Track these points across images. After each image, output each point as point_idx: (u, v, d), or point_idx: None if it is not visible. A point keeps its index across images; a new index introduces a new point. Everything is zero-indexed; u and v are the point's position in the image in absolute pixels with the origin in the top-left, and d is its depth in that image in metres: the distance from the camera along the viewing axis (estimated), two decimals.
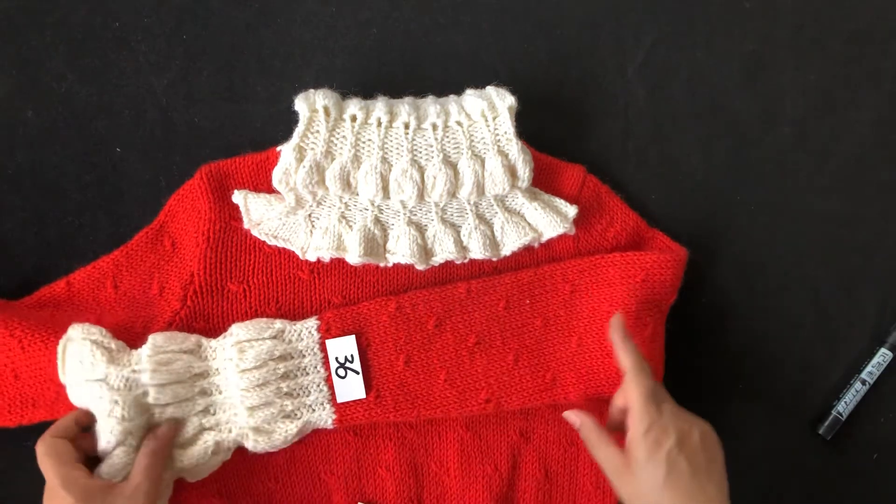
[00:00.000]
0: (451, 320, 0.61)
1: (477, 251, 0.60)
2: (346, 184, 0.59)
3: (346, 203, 0.60)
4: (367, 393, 0.59)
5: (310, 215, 0.60)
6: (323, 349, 0.59)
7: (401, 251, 0.59)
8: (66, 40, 0.63)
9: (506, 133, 0.60)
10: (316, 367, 0.59)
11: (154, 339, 0.57)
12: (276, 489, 0.63)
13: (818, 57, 0.69)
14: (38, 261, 0.63)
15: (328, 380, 0.59)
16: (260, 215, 0.60)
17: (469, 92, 0.61)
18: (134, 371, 0.55)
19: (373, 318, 0.60)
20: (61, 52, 0.63)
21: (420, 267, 0.60)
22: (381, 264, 0.60)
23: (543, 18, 0.67)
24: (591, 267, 0.62)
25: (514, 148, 0.60)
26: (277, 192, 0.60)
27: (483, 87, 0.61)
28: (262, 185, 0.61)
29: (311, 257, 0.59)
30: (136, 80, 0.64)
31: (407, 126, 0.59)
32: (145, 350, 0.56)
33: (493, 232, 0.61)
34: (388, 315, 0.60)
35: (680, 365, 0.68)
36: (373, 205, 0.60)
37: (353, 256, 0.59)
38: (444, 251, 0.60)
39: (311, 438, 0.62)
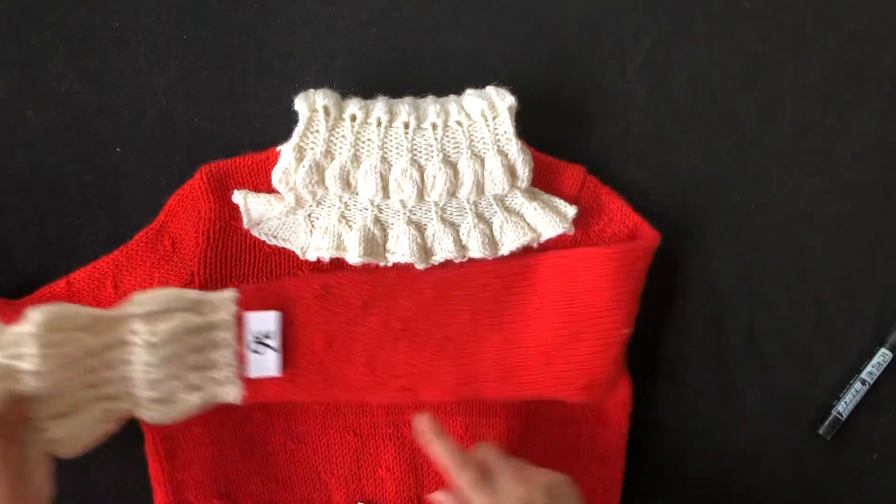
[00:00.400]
0: (377, 305, 0.60)
1: (476, 250, 0.60)
2: (346, 183, 0.59)
3: (345, 203, 0.60)
4: (281, 371, 0.58)
5: (309, 215, 0.60)
6: (239, 323, 0.57)
7: (400, 250, 0.59)
8: (66, 40, 0.63)
9: (505, 133, 0.60)
10: (228, 341, 0.57)
11: (40, 315, 0.47)
12: (276, 489, 0.63)
13: (818, 57, 0.69)
14: (38, 261, 0.63)
15: (240, 354, 0.57)
16: (260, 215, 0.60)
17: (469, 92, 0.61)
18: (11, 356, 0.46)
19: (296, 295, 0.59)
20: (61, 52, 0.63)
21: (419, 266, 0.60)
22: (381, 264, 0.60)
23: (543, 18, 0.67)
24: (525, 265, 0.61)
25: (514, 148, 0.60)
26: (277, 192, 0.60)
27: (483, 87, 0.61)
28: (262, 185, 0.61)
29: (311, 257, 0.59)
30: (136, 80, 0.64)
31: (407, 126, 0.59)
32: (27, 329, 0.46)
33: (492, 231, 0.61)
34: (313, 294, 0.59)
35: (679, 365, 0.68)
36: (372, 204, 0.60)
37: (353, 256, 0.59)
38: (444, 250, 0.60)
39: (310, 439, 0.62)
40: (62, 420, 0.50)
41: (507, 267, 0.61)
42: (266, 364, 0.57)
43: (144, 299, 0.54)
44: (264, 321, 0.57)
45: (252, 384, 0.58)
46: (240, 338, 0.57)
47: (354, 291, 0.59)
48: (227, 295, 0.57)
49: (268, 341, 0.57)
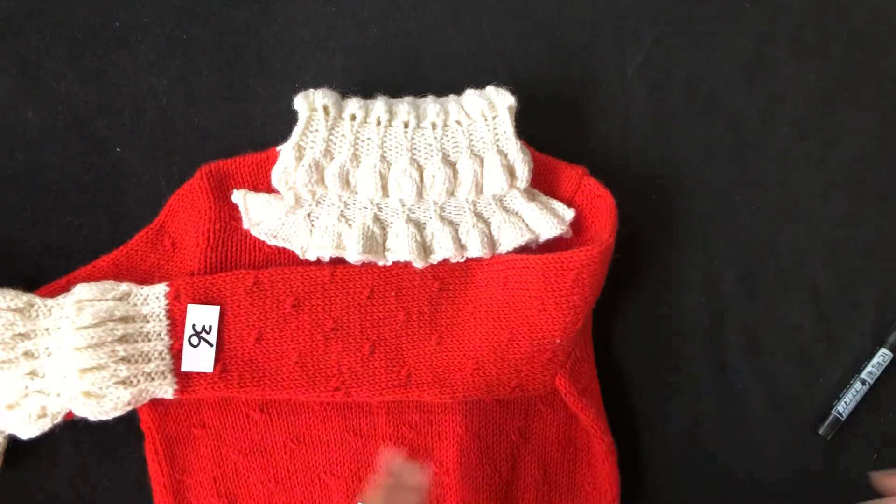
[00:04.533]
0: (310, 302, 0.59)
1: (475, 249, 0.60)
2: (346, 182, 0.59)
3: (345, 202, 0.60)
4: (213, 366, 0.58)
5: (309, 214, 0.60)
6: (169, 316, 0.57)
7: (400, 248, 0.59)
8: (66, 40, 0.63)
9: (505, 132, 0.60)
10: (160, 335, 0.57)
11: None
12: (275, 490, 0.63)
13: (818, 57, 0.69)
14: (38, 261, 0.63)
15: (173, 348, 0.57)
16: (259, 215, 0.60)
17: (469, 92, 0.61)
18: None
19: (227, 290, 0.58)
20: (61, 52, 0.63)
21: (418, 264, 0.60)
22: (381, 262, 0.60)
23: (543, 18, 0.67)
24: (463, 269, 0.61)
25: (514, 147, 0.60)
26: (277, 192, 0.60)
27: (483, 87, 0.61)
28: (262, 184, 0.61)
29: (311, 256, 0.59)
30: (136, 80, 0.64)
31: (406, 125, 0.59)
32: None
33: (490, 230, 0.61)
34: (245, 289, 0.58)
35: (679, 365, 0.68)
36: (372, 203, 0.60)
37: (353, 254, 0.59)
38: (443, 248, 0.60)
39: (310, 439, 0.62)
40: (10, 412, 0.54)
41: (445, 269, 0.61)
42: (200, 358, 0.57)
43: (79, 289, 0.56)
44: (206, 314, 0.57)
45: (184, 379, 0.57)
46: (172, 332, 0.57)
47: (286, 288, 0.59)
48: (159, 288, 0.58)
49: (205, 335, 0.57)
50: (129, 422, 0.60)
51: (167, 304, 0.57)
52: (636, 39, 0.67)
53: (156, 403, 0.60)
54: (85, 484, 0.63)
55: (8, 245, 0.63)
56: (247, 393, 0.58)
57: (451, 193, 0.60)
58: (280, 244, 0.60)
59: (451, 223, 0.60)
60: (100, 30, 0.64)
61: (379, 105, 0.59)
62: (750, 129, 0.68)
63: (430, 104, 0.60)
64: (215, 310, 0.58)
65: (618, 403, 0.66)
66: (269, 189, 0.60)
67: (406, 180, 0.59)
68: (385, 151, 0.59)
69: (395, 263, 0.60)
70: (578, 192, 0.63)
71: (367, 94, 0.61)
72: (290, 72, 0.65)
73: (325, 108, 0.59)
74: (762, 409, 0.68)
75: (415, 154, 0.59)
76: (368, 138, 0.59)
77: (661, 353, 0.68)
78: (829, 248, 0.69)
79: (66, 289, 0.59)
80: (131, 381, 0.56)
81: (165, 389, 0.57)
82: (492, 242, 0.61)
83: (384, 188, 0.59)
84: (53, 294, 0.59)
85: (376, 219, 0.60)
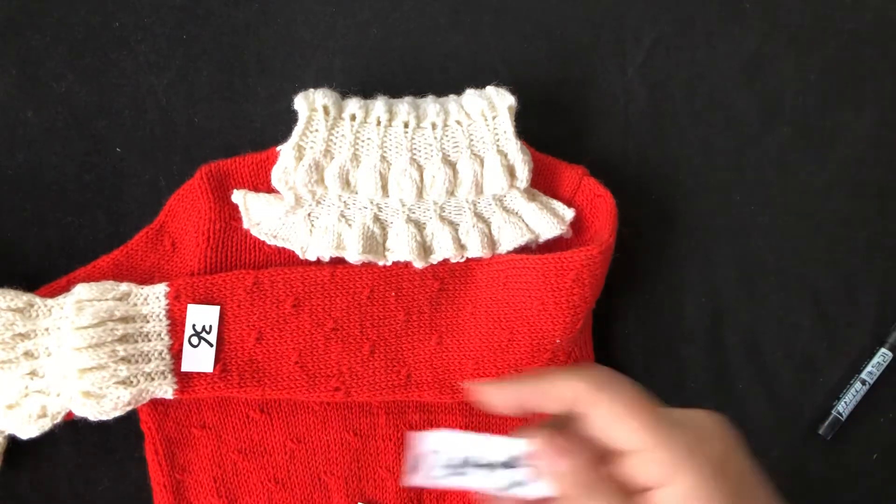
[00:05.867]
0: (310, 302, 0.59)
1: (475, 249, 0.60)
2: (346, 182, 0.59)
3: (345, 202, 0.60)
4: (214, 366, 0.58)
5: (309, 214, 0.60)
6: (169, 316, 0.57)
7: (400, 248, 0.59)
8: (66, 40, 0.63)
9: (505, 133, 0.60)
10: (160, 335, 0.57)
11: None
12: (275, 490, 0.63)
13: (818, 57, 0.69)
14: (38, 261, 0.63)
15: (172, 348, 0.57)
16: (259, 215, 0.60)
17: (469, 92, 0.61)
18: None
19: (227, 290, 0.58)
20: (61, 52, 0.63)
21: (418, 264, 0.60)
22: (381, 262, 0.60)
23: (543, 18, 0.67)
24: (463, 268, 0.61)
25: (514, 147, 0.60)
26: (277, 192, 0.60)
27: (483, 87, 0.61)
28: (262, 184, 0.61)
29: (311, 256, 0.59)
30: (136, 80, 0.64)
31: (406, 125, 0.60)
32: None
33: (490, 230, 0.61)
34: (245, 289, 0.58)
35: (679, 365, 0.68)
36: (372, 203, 0.60)
37: (353, 254, 0.59)
38: (443, 248, 0.60)
39: (310, 439, 0.62)
40: (10, 412, 0.55)
41: (445, 269, 0.61)
42: (200, 358, 0.57)
43: (79, 289, 0.56)
44: (206, 314, 0.57)
45: (184, 379, 0.57)
46: (172, 332, 0.57)
47: (286, 288, 0.59)
48: (159, 288, 0.58)
49: (205, 335, 0.57)
50: (129, 422, 0.60)
51: (167, 304, 0.57)
52: (636, 39, 0.67)
53: (156, 403, 0.60)
54: (85, 484, 0.63)
55: (8, 245, 0.63)
56: (247, 393, 0.58)
57: (451, 193, 0.60)
58: (280, 244, 0.60)
59: (451, 223, 0.60)
60: (100, 30, 0.64)
61: (379, 105, 0.60)
62: (750, 129, 0.68)
63: (430, 104, 0.60)
64: (215, 310, 0.58)
65: None
66: (269, 189, 0.60)
67: (406, 180, 0.59)
68: (385, 151, 0.59)
69: (395, 263, 0.60)
70: (578, 192, 0.63)
71: (367, 94, 0.61)
72: (290, 72, 0.65)
73: (325, 108, 0.59)
74: (762, 409, 0.68)
75: (415, 154, 0.59)
76: (368, 138, 0.59)
77: (661, 353, 0.68)
78: (829, 248, 0.69)
79: (66, 289, 0.59)
80: (131, 381, 0.56)
81: (165, 389, 0.57)
82: (492, 242, 0.61)
83: (384, 188, 0.59)
84: (53, 294, 0.58)
85: (376, 219, 0.60)
